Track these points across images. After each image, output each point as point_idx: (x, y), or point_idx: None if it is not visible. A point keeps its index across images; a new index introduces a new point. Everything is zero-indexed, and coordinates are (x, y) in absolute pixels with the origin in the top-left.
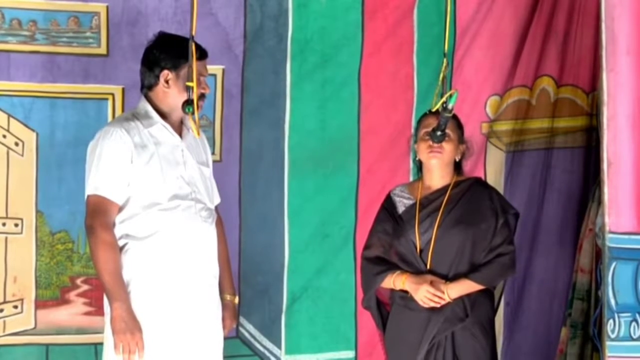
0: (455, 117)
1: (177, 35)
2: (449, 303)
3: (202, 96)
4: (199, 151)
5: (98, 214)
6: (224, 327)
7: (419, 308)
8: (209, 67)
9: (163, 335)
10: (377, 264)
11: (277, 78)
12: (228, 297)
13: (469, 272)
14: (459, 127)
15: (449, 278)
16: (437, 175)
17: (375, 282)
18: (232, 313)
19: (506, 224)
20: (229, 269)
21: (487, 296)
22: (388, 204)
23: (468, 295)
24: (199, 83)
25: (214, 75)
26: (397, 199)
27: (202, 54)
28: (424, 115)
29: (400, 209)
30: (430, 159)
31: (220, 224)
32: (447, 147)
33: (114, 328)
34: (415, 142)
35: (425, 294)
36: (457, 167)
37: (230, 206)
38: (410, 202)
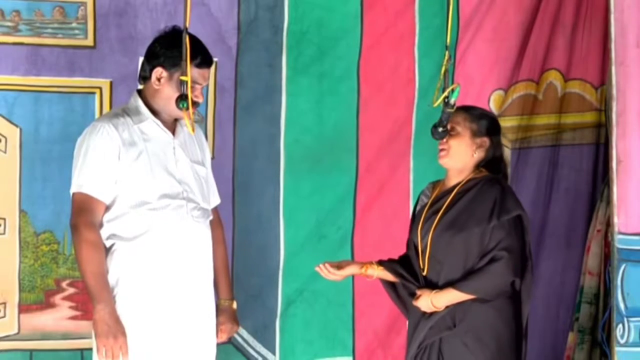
0: (467, 109)
1: (192, 35)
2: (439, 310)
3: (193, 104)
4: (194, 150)
5: (82, 213)
6: (222, 332)
7: (415, 309)
8: None
9: (150, 340)
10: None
11: (272, 72)
12: (226, 302)
13: (459, 280)
14: (473, 120)
15: (440, 285)
16: (451, 174)
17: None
18: (231, 318)
19: (502, 227)
20: (226, 272)
21: (492, 307)
22: (417, 201)
23: (461, 304)
24: (192, 90)
25: None
26: (422, 197)
27: (206, 61)
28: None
29: (418, 207)
30: (439, 160)
31: (219, 226)
32: (454, 143)
33: (96, 331)
34: None
35: None
36: (491, 165)
37: (224, 205)
38: (427, 200)
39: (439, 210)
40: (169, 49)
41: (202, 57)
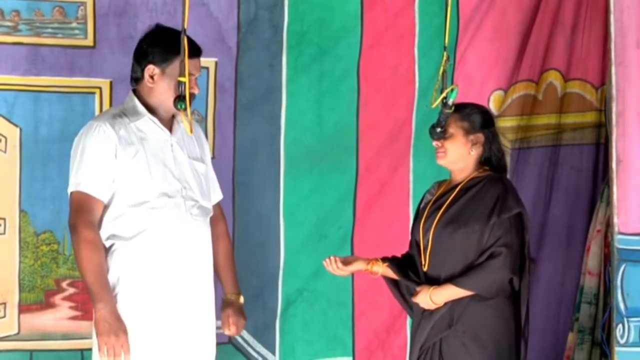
0: (457, 108)
1: (171, 29)
2: (439, 309)
3: (190, 96)
4: (193, 147)
5: (81, 212)
6: (231, 326)
7: (417, 307)
8: (201, 59)
9: (151, 338)
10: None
11: (273, 71)
12: (232, 296)
13: (458, 276)
14: (463, 118)
15: (441, 282)
16: (455, 173)
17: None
18: (238, 311)
19: (502, 225)
20: (231, 267)
21: (490, 306)
22: (421, 199)
23: (458, 302)
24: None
25: (207, 69)
26: (427, 195)
27: (195, 51)
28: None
29: (422, 205)
30: (437, 161)
31: (222, 221)
32: (449, 145)
33: (98, 330)
34: None
35: None
36: (489, 162)
37: (224, 205)
38: (431, 198)
39: (441, 206)
40: (156, 45)
41: (191, 48)
